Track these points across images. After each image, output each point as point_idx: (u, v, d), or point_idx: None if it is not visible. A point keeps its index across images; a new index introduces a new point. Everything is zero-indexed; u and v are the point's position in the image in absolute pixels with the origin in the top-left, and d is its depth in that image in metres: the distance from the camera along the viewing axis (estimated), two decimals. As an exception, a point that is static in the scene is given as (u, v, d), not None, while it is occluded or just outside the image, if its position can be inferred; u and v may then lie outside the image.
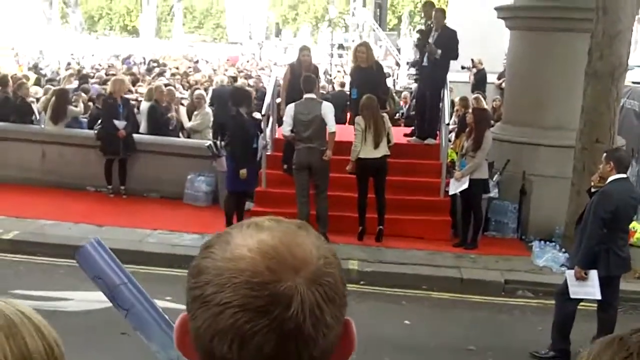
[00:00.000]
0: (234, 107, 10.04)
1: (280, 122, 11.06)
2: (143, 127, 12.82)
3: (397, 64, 30.16)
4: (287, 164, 10.61)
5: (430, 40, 11.21)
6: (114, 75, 16.40)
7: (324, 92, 16.33)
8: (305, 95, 9.73)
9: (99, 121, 12.01)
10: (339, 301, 0.98)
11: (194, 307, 0.97)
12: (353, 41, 35.25)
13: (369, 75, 10.78)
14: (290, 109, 9.65)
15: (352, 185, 9.99)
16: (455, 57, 11.40)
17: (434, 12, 11.50)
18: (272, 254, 0.95)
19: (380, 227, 9.98)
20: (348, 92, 12.03)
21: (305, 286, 0.94)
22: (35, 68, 23.57)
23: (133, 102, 13.59)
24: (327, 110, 9.66)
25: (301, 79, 10.05)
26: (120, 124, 11.56)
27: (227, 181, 10.20)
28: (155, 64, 25.93)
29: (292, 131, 9.66)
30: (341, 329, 1.00)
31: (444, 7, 12.63)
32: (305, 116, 9.57)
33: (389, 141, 9.78)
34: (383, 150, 9.70)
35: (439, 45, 11.06)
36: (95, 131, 11.92)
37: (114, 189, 11.78)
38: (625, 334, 0.99)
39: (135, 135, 12.03)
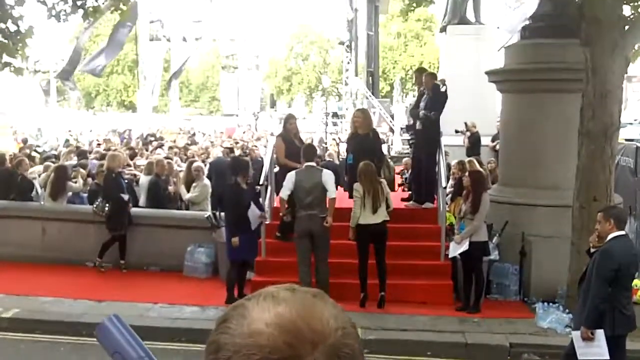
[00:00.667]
0: (233, 176, 10.14)
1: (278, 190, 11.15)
2: (142, 200, 12.87)
3: (391, 130, 30.46)
4: (282, 232, 10.76)
5: (422, 104, 11.42)
6: (114, 150, 16.57)
7: (319, 159, 16.47)
8: (306, 164, 9.88)
9: (100, 199, 12.04)
10: None
11: None
12: (347, 109, 35.76)
13: (365, 141, 10.91)
14: (291, 176, 9.77)
15: (353, 252, 9.96)
16: (437, 113, 11.37)
17: (423, 77, 11.72)
18: (290, 328, 0.95)
19: (382, 293, 9.91)
20: (338, 161, 12.12)
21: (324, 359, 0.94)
22: (25, 144, 23.70)
23: (131, 177, 13.68)
24: (328, 177, 9.78)
25: (302, 148, 10.27)
26: (125, 197, 11.64)
27: (227, 250, 10.19)
28: (152, 138, 26.17)
29: (288, 199, 9.76)
30: None
31: (434, 72, 12.83)
32: (307, 183, 9.67)
33: (387, 206, 9.82)
34: (382, 215, 9.73)
35: (431, 108, 11.25)
36: (97, 207, 11.90)
37: (107, 264, 11.73)
38: None
39: (135, 209, 12.07)
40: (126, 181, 12.76)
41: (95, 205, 12.00)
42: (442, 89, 11.68)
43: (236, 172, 10.16)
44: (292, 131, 11.45)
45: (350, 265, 10.07)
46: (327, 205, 9.75)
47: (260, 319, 0.97)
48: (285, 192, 9.72)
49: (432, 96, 11.38)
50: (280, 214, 10.26)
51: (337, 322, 0.99)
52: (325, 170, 10.09)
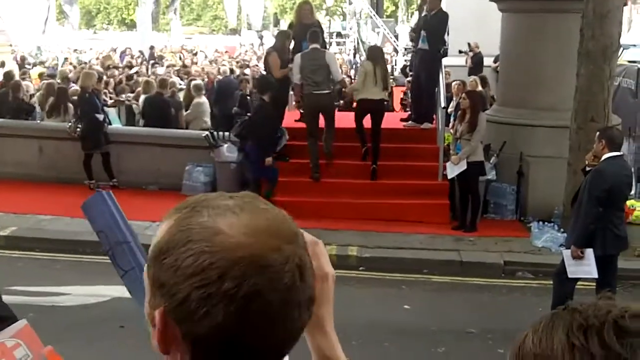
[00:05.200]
0: (259, 95, 10.12)
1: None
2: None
3: (396, 51, 30.05)
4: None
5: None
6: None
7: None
8: (311, 45, 10.49)
9: (73, 118, 11.89)
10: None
11: (208, 304, 0.96)
12: (350, 29, 35.17)
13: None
14: (297, 58, 10.44)
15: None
16: (440, 45, 11.40)
17: None
18: (269, 231, 1.02)
19: (374, 166, 10.55)
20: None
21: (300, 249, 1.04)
22: (23, 62, 23.49)
23: (130, 95, 13.58)
24: (331, 58, 10.78)
25: (308, 31, 10.77)
26: (99, 117, 11.53)
27: (252, 169, 10.21)
28: (152, 59, 25.83)
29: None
30: None
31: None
32: (312, 64, 10.30)
33: (386, 87, 10.81)
34: (382, 94, 10.70)
35: (428, 29, 11.17)
36: (70, 127, 11.72)
37: (97, 183, 11.65)
38: (581, 306, 0.96)
39: (131, 128, 12.02)
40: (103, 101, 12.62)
41: (68, 125, 11.83)
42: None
43: (263, 90, 10.14)
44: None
45: (346, 184, 10.42)
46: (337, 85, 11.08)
47: (233, 232, 0.99)
48: (297, 77, 10.41)
49: (432, 17, 11.25)
50: (294, 101, 10.79)
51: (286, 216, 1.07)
52: (328, 52, 11.12)
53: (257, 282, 0.95)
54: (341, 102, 14.76)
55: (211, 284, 0.95)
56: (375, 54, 11.26)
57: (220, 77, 17.43)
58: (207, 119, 13.35)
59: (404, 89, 17.46)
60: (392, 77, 19.85)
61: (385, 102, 11.02)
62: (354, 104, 11.11)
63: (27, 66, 20.97)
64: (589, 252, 6.61)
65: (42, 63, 25.42)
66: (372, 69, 10.53)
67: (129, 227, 1.29)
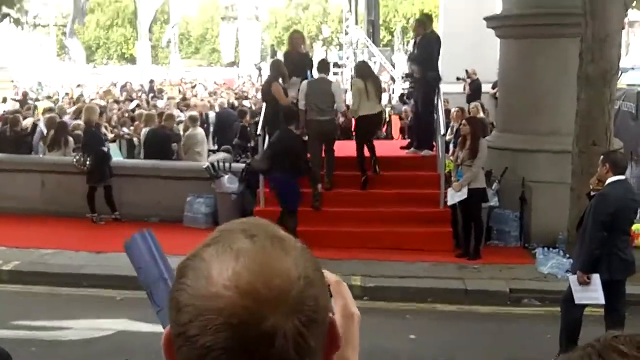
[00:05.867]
0: (285, 125, 10.10)
1: None
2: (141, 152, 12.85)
3: (392, 79, 30.20)
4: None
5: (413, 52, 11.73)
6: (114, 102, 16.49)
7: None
8: (319, 75, 11.05)
9: (80, 152, 11.89)
10: (321, 319, 0.97)
11: (178, 342, 0.95)
12: (347, 58, 35.37)
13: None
14: (303, 86, 10.64)
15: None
16: (430, 71, 11.27)
17: (414, 24, 11.79)
18: (249, 290, 0.92)
19: (374, 172, 10.90)
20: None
21: (286, 319, 0.92)
22: (25, 97, 23.60)
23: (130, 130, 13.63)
24: (337, 88, 11.05)
25: (318, 61, 11.65)
26: (105, 149, 11.57)
27: (290, 200, 10.11)
28: (152, 93, 25.96)
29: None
30: (325, 336, 1.00)
31: (431, 18, 12.67)
32: (318, 92, 10.53)
33: (380, 100, 11.29)
34: (379, 107, 11.27)
35: (419, 54, 11.28)
36: (77, 161, 11.74)
37: (99, 216, 11.72)
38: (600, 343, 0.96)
39: (132, 160, 12.04)
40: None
41: (75, 159, 11.83)
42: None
43: (289, 121, 10.14)
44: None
45: (349, 213, 10.39)
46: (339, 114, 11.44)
47: (218, 280, 0.94)
48: (301, 103, 10.56)
49: (419, 42, 11.33)
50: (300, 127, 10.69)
51: (297, 269, 0.96)
52: (334, 82, 11.63)
53: (217, 338, 0.92)
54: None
55: (181, 325, 0.95)
56: (363, 70, 11.62)
57: (215, 109, 17.49)
58: (201, 149, 13.33)
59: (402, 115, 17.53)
60: (390, 105, 19.99)
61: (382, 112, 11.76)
62: (353, 126, 11.31)
63: (29, 101, 21.05)
64: (596, 278, 6.55)
65: (49, 97, 25.56)
66: (364, 86, 10.79)
67: (167, 265, 1.32)
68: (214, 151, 13.84)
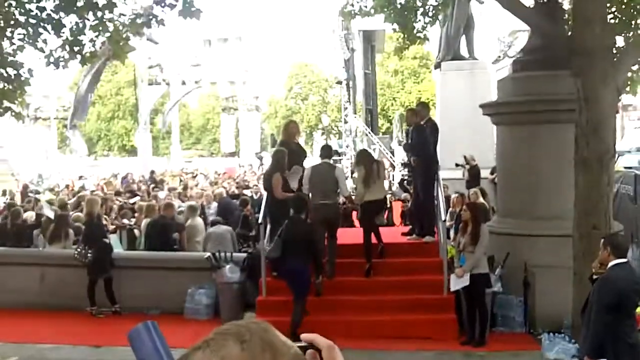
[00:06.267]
0: (295, 213, 10.20)
1: None
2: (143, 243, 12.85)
3: (392, 166, 30.49)
4: (277, 270, 10.74)
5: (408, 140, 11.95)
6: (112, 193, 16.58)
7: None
8: (322, 160, 11.24)
9: (82, 244, 11.82)
10: None
11: None
12: (347, 147, 35.84)
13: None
14: (307, 171, 10.90)
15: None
16: (426, 159, 11.49)
17: (405, 114, 12.05)
18: None
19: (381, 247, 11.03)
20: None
21: None
22: (25, 190, 23.74)
23: (132, 220, 13.66)
24: (340, 173, 11.18)
25: (320, 147, 12.09)
26: (107, 241, 11.60)
27: (299, 286, 10.01)
28: (152, 184, 26.12)
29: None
30: None
31: (428, 106, 12.90)
32: (321, 177, 10.72)
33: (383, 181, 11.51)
34: (383, 191, 11.45)
35: (413, 143, 11.55)
36: (79, 254, 11.65)
37: (99, 310, 11.61)
38: None
39: (133, 252, 12.04)
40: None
41: (76, 252, 11.72)
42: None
43: (299, 210, 10.20)
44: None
45: (359, 302, 10.37)
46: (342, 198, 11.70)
47: None
48: (305, 187, 10.81)
49: (413, 132, 11.60)
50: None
51: None
52: (338, 167, 11.81)
53: None
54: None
55: None
56: (363, 158, 11.79)
57: (212, 200, 17.58)
58: (201, 239, 13.32)
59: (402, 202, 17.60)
60: (390, 191, 20.10)
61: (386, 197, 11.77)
62: (354, 213, 11.44)
63: (30, 194, 21.17)
64: (604, 363, 6.45)
65: (51, 190, 25.72)
66: (365, 172, 10.94)
67: (171, 357, 1.32)
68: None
